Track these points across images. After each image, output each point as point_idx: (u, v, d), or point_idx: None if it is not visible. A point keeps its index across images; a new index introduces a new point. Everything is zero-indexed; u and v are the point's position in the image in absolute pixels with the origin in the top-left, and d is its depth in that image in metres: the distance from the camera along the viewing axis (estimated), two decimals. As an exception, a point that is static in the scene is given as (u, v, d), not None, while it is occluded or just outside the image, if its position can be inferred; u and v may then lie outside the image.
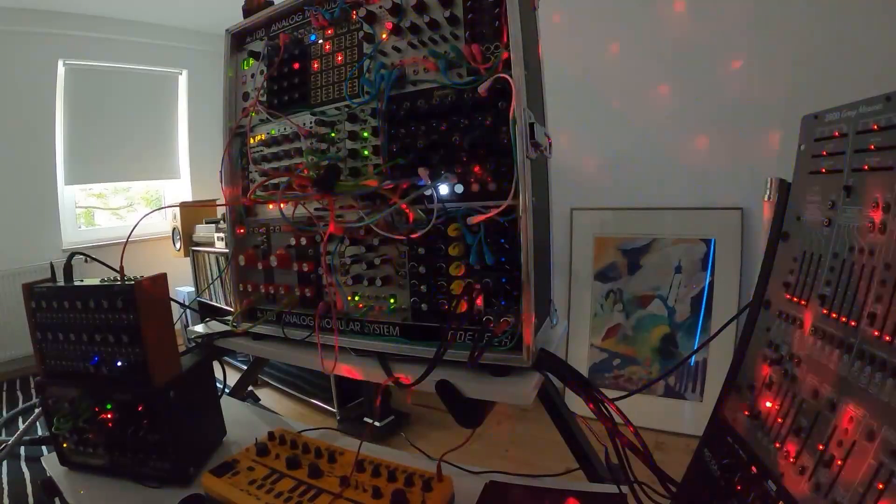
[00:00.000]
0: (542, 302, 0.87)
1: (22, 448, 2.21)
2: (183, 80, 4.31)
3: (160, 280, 0.87)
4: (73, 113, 3.71)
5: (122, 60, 3.88)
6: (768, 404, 0.56)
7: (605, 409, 0.76)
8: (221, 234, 2.83)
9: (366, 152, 0.91)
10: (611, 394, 0.76)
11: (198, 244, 3.17)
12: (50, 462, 0.94)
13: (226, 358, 1.26)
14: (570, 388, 0.80)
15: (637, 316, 2.35)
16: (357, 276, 0.92)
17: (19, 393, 3.02)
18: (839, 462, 0.43)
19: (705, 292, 2.20)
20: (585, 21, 2.43)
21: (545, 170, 0.94)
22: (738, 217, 2.13)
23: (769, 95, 2.01)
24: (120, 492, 0.85)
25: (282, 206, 0.95)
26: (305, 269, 0.97)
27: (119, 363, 0.84)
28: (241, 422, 1.08)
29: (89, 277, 0.92)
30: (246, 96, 1.09)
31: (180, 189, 4.44)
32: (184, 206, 3.48)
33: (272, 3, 1.07)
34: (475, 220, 0.77)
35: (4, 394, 3.02)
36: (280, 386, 2.86)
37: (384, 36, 0.88)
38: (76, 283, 0.87)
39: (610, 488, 0.75)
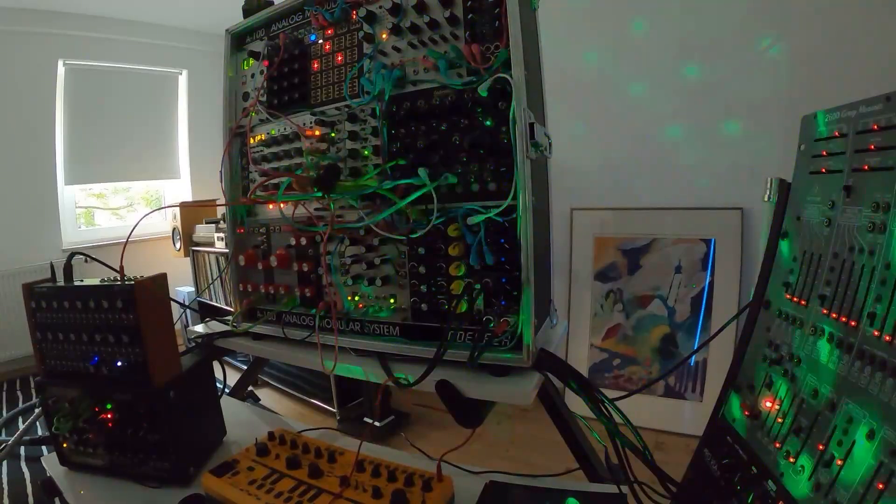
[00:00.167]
0: (542, 302, 0.87)
1: (22, 448, 2.21)
2: (183, 80, 4.31)
3: (160, 280, 0.87)
4: (73, 113, 3.71)
5: (122, 60, 3.88)
6: (768, 404, 0.56)
7: (605, 409, 0.76)
8: (221, 234, 2.83)
9: (366, 152, 0.91)
10: (611, 394, 0.76)
11: (198, 244, 3.17)
12: (50, 462, 0.94)
13: (226, 358, 1.26)
14: (570, 388, 0.80)
15: (637, 316, 2.35)
16: (357, 276, 0.92)
17: (19, 393, 3.02)
18: (839, 462, 0.43)
19: (705, 292, 2.20)
20: (586, 21, 2.43)
21: (545, 170, 0.94)
22: (738, 217, 2.13)
23: (769, 95, 2.01)
24: (120, 492, 0.85)
25: (282, 206, 0.95)
26: (305, 269, 0.97)
27: (119, 363, 0.84)
28: (241, 422, 1.08)
29: (89, 277, 0.92)
30: (246, 96, 1.09)
31: (180, 189, 4.44)
32: (184, 206, 3.48)
33: (272, 3, 1.07)
34: (475, 220, 0.77)
35: (4, 394, 3.02)
36: (280, 386, 2.86)
37: (384, 36, 0.88)
38: (76, 283, 0.87)
39: (610, 488, 0.75)
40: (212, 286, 3.10)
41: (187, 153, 4.38)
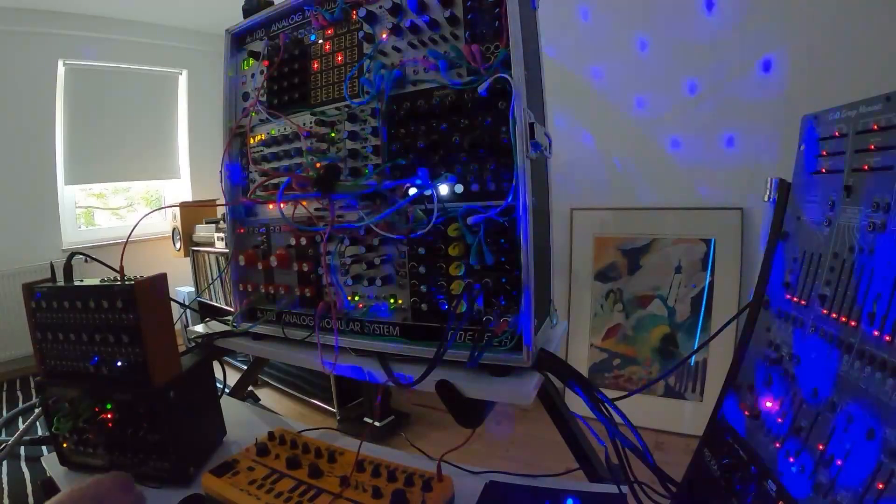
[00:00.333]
0: (542, 302, 0.87)
1: (22, 448, 2.21)
2: (183, 80, 4.31)
3: (160, 280, 0.87)
4: (73, 113, 3.71)
5: (122, 60, 3.88)
6: (768, 404, 0.56)
7: (605, 409, 0.76)
8: (221, 234, 2.83)
9: (366, 152, 0.91)
10: (611, 394, 0.76)
11: (198, 244, 3.17)
12: (50, 462, 0.94)
13: (226, 358, 1.26)
14: (570, 388, 0.80)
15: (637, 316, 2.35)
16: (357, 276, 0.92)
17: (19, 393, 3.03)
18: (839, 462, 0.43)
19: (705, 292, 2.20)
20: (586, 21, 2.43)
21: (545, 170, 0.94)
22: (738, 217, 2.13)
23: (769, 95, 2.01)
24: (120, 492, 0.85)
25: (282, 206, 0.95)
26: (305, 269, 0.97)
27: (119, 363, 0.84)
28: (241, 422, 1.08)
29: (89, 277, 0.92)
30: (246, 96, 1.09)
31: (180, 189, 4.44)
32: (184, 206, 3.48)
33: (272, 3, 1.07)
34: (475, 220, 0.77)
35: (4, 394, 3.02)
36: (280, 386, 2.86)
37: (384, 36, 0.88)
38: (76, 283, 0.87)
39: (610, 488, 0.75)
40: (212, 286, 3.10)
41: (187, 153, 4.38)
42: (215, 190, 1.22)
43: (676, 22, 2.21)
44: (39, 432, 2.34)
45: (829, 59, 1.85)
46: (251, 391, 2.57)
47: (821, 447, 0.46)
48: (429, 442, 2.00)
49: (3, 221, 3.37)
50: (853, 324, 0.46)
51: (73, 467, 0.91)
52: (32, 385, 2.99)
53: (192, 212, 3.31)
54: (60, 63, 3.59)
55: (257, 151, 1.06)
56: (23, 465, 2.10)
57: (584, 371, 2.41)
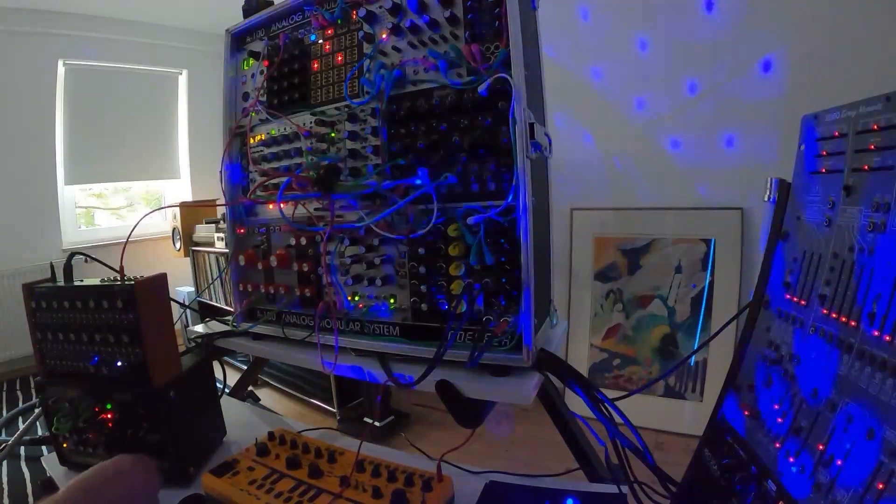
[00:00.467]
0: (542, 302, 0.87)
1: (22, 448, 2.21)
2: (183, 80, 4.31)
3: (160, 280, 0.86)
4: (73, 113, 3.71)
5: (122, 60, 3.88)
6: (768, 404, 0.56)
7: (605, 409, 0.76)
8: (221, 234, 2.83)
9: (366, 152, 0.91)
10: (611, 394, 0.76)
11: (198, 244, 3.17)
12: (50, 462, 0.94)
13: (226, 358, 1.26)
14: (570, 388, 0.80)
15: (637, 316, 2.35)
16: (357, 276, 0.92)
17: (19, 393, 3.03)
18: (839, 462, 0.43)
19: (705, 292, 2.20)
20: (586, 21, 2.43)
21: (545, 170, 0.94)
22: (738, 217, 2.13)
23: (769, 95, 2.01)
24: (120, 492, 0.85)
25: (282, 206, 0.95)
26: (305, 269, 0.97)
27: (119, 363, 0.84)
28: (241, 422, 1.08)
29: (89, 277, 0.92)
30: (246, 96, 1.09)
31: (180, 189, 4.44)
32: (184, 206, 3.48)
33: (272, 3, 1.07)
34: (475, 220, 0.77)
35: (4, 394, 3.02)
36: (280, 386, 2.86)
37: (384, 36, 0.88)
38: (76, 283, 0.87)
39: (610, 488, 0.75)
40: (212, 286, 3.10)
41: (187, 153, 4.38)
42: (215, 190, 1.22)
43: (676, 22, 2.21)
44: (39, 432, 2.34)
45: (829, 59, 1.85)
46: (251, 391, 2.57)
47: (821, 447, 0.46)
48: (429, 442, 2.00)
49: (3, 221, 3.36)
50: (853, 324, 0.46)
51: (73, 467, 0.91)
52: (32, 385, 2.99)
53: (192, 212, 3.31)
54: (60, 63, 3.59)
55: (257, 151, 1.06)
56: (23, 465, 2.10)
57: (584, 371, 2.41)
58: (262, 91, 1.06)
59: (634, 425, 0.75)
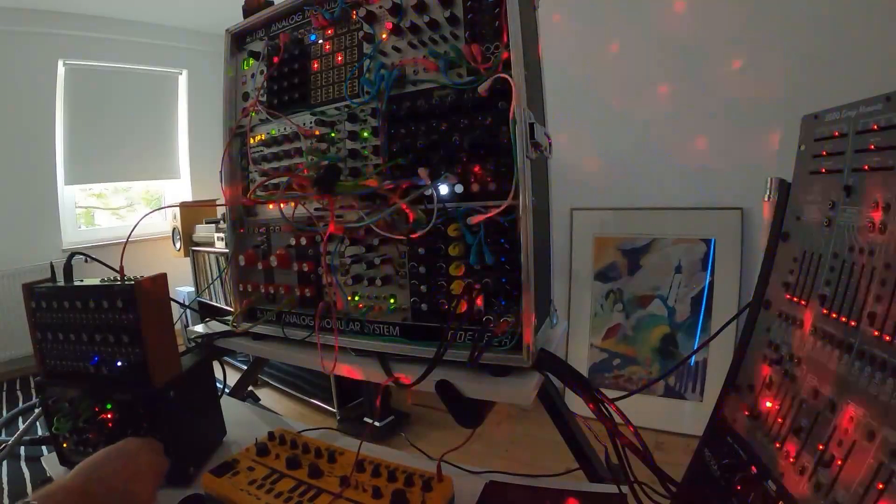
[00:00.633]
0: (542, 302, 0.87)
1: (22, 448, 2.21)
2: (183, 80, 4.31)
3: (160, 280, 0.87)
4: (73, 113, 3.71)
5: (122, 60, 3.89)
6: (768, 404, 0.56)
7: (605, 409, 0.76)
8: (221, 234, 2.83)
9: (366, 152, 0.91)
10: (611, 394, 0.76)
11: (198, 244, 3.17)
12: (50, 462, 0.94)
13: (226, 358, 1.26)
14: (570, 388, 0.80)
15: (637, 316, 2.35)
16: (357, 276, 0.92)
17: (19, 393, 3.03)
18: (839, 462, 0.43)
19: (705, 292, 2.20)
20: (585, 21, 2.43)
21: (545, 170, 0.94)
22: (738, 217, 2.13)
23: (769, 95, 2.01)
24: (120, 492, 0.85)
25: (282, 206, 0.95)
26: (305, 269, 0.97)
27: (119, 363, 0.84)
28: (241, 422, 1.08)
29: (89, 277, 0.92)
30: (246, 96, 1.09)
31: (180, 189, 4.44)
32: (184, 206, 3.48)
33: (272, 3, 1.07)
34: (475, 219, 0.77)
35: (4, 394, 3.02)
36: (280, 386, 2.86)
37: (384, 36, 0.88)
38: (76, 283, 0.87)
39: (610, 488, 0.75)
40: (212, 286, 3.10)
41: (187, 153, 4.38)
42: (215, 190, 1.22)
43: (677, 22, 2.21)
44: (39, 432, 2.34)
45: (829, 59, 1.85)
46: (251, 391, 2.57)
47: (821, 447, 0.46)
48: (429, 442, 2.00)
49: (3, 221, 3.37)
50: (853, 324, 0.46)
51: (73, 467, 0.91)
52: (32, 385, 2.99)
53: (192, 212, 3.32)
54: (60, 63, 3.59)
55: (257, 151, 1.06)
56: (23, 465, 2.10)
57: (584, 371, 2.41)
58: (262, 91, 1.06)
59: (634, 425, 0.75)
